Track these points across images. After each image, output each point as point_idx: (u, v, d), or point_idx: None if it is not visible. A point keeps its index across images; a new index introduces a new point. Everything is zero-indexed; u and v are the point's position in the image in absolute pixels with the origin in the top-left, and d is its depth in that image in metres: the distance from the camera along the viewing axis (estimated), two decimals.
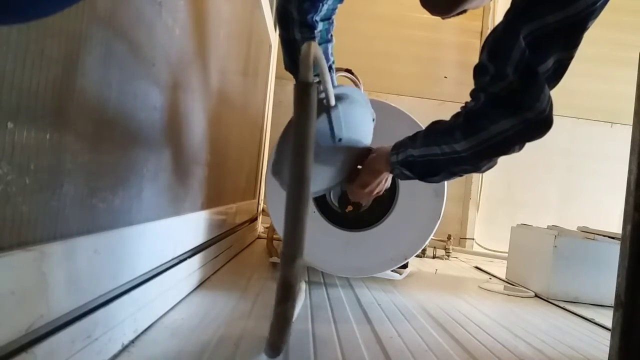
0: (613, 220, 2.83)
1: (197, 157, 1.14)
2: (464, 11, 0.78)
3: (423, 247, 1.52)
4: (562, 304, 1.58)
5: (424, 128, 0.94)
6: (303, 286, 1.33)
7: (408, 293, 1.47)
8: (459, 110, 0.88)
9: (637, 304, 0.78)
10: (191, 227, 1.12)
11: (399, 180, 1.27)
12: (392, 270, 1.49)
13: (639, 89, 0.84)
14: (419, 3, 0.77)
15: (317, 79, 0.73)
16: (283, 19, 0.95)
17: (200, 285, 1.21)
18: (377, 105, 1.13)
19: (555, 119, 0.79)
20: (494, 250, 2.86)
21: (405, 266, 1.60)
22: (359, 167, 1.03)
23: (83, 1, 0.54)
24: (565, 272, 1.68)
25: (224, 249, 1.51)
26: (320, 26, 0.97)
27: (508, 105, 0.79)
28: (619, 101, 2.94)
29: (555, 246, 1.68)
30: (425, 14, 0.80)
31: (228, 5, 1.38)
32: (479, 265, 2.37)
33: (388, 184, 1.07)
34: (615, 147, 2.99)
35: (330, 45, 1.02)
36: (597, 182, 3.16)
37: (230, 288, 1.25)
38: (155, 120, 0.83)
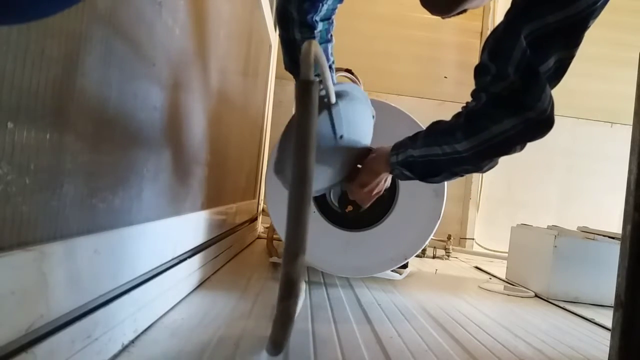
0: (613, 220, 2.83)
1: (197, 157, 1.14)
2: (464, 11, 0.78)
3: (423, 247, 1.52)
4: (562, 304, 1.58)
5: (424, 128, 0.95)
6: (303, 286, 1.32)
7: (408, 293, 1.47)
8: (459, 110, 0.88)
9: (637, 304, 0.78)
10: (191, 227, 1.12)
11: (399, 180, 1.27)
12: (392, 270, 1.49)
13: (639, 89, 0.84)
14: (419, 3, 0.77)
15: (317, 78, 0.73)
16: (283, 19, 0.95)
17: (200, 285, 1.21)
18: (377, 105, 1.13)
19: (556, 119, 0.79)
20: (494, 250, 2.87)
21: (405, 266, 1.60)
22: (359, 166, 1.03)
23: (83, 1, 0.54)
24: (565, 272, 1.68)
25: (224, 249, 1.51)
26: (320, 26, 0.97)
27: (509, 105, 0.79)
28: (619, 101, 2.94)
29: (555, 246, 1.68)
30: (425, 14, 0.80)
31: (228, 5, 1.38)
32: (479, 265, 2.37)
33: (388, 183, 1.07)
34: (615, 147, 2.99)
35: (330, 45, 1.02)
36: (597, 182, 3.16)
37: (230, 288, 1.25)
38: (155, 120, 0.83)
